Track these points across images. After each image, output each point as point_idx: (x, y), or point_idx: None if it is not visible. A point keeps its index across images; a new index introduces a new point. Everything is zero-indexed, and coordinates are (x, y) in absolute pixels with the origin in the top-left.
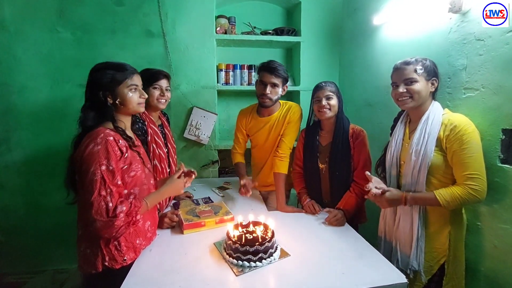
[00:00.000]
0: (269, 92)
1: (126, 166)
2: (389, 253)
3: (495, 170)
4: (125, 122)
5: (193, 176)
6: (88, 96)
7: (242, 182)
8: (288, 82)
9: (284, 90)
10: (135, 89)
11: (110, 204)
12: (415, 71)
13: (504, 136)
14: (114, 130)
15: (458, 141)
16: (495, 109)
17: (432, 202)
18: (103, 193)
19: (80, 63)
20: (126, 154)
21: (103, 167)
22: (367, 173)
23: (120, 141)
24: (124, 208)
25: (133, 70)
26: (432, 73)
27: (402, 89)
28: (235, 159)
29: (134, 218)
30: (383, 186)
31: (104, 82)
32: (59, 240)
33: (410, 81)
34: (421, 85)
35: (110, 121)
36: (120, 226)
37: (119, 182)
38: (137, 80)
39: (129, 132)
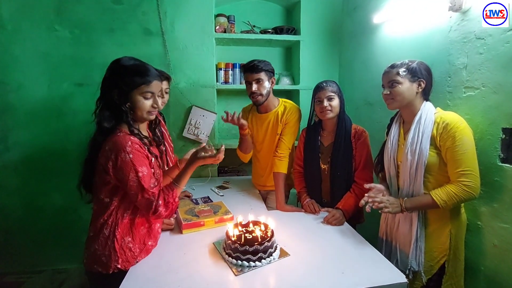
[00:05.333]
0: (255, 89)
1: (152, 170)
2: (389, 254)
3: (495, 170)
4: (141, 125)
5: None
6: (103, 93)
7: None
8: (288, 81)
9: (272, 82)
10: (150, 97)
11: (154, 203)
12: (398, 73)
13: (504, 135)
14: (133, 134)
15: (451, 138)
16: (495, 108)
17: (430, 204)
18: (146, 195)
19: (78, 62)
20: (153, 159)
21: (140, 174)
22: (367, 185)
23: (145, 147)
24: (160, 202)
25: (155, 76)
26: (417, 74)
27: (386, 91)
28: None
29: (174, 203)
30: (383, 196)
31: (121, 82)
32: (57, 240)
33: (392, 84)
34: (404, 87)
35: (126, 126)
36: (165, 215)
37: (154, 181)
38: (155, 87)
39: (145, 132)
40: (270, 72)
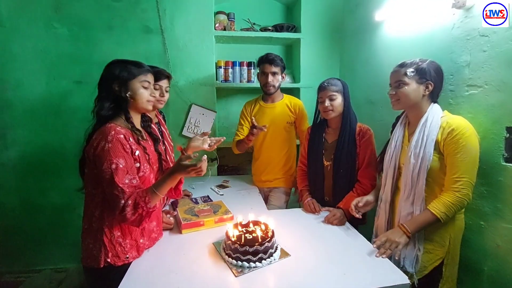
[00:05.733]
0: (271, 80)
1: (138, 165)
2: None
3: (499, 169)
4: (135, 119)
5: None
6: (102, 89)
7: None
8: (288, 79)
9: (283, 77)
10: (147, 87)
11: (122, 201)
12: (405, 74)
13: (508, 134)
14: (125, 126)
15: (454, 144)
16: (499, 106)
17: (431, 220)
18: (115, 191)
19: (77, 60)
20: (137, 152)
21: (114, 166)
22: (353, 204)
23: (130, 138)
24: (130, 202)
25: (149, 69)
26: (426, 76)
27: (391, 91)
28: (234, 142)
29: (145, 208)
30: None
31: (119, 74)
32: (56, 239)
33: (399, 84)
34: (410, 88)
35: (123, 115)
36: (131, 219)
37: (132, 179)
38: (150, 78)
39: (139, 127)
40: (283, 68)
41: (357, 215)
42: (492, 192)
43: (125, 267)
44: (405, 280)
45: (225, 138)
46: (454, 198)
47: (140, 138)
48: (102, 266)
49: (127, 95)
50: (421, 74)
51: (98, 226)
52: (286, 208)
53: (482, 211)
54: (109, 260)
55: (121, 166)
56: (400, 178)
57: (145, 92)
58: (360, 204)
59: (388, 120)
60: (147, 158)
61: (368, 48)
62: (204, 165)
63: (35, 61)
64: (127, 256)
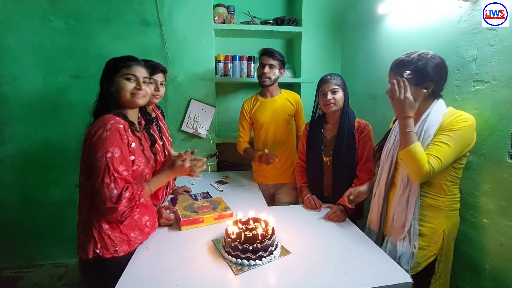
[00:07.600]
0: (267, 72)
1: (133, 157)
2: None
3: (504, 167)
4: (130, 113)
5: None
6: (100, 85)
7: (259, 153)
8: (289, 74)
9: (281, 73)
10: (132, 79)
11: (115, 191)
12: (402, 76)
13: None
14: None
15: (450, 125)
16: (506, 102)
17: (407, 142)
18: (107, 180)
19: (73, 53)
20: (133, 144)
21: (109, 154)
22: (347, 195)
23: (129, 130)
24: (128, 194)
25: (136, 62)
26: (424, 77)
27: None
28: (241, 146)
29: (137, 202)
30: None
31: (107, 70)
32: (56, 234)
33: None
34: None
35: (113, 110)
36: (123, 211)
37: (125, 170)
38: (136, 70)
39: (132, 120)
40: (282, 64)
41: (349, 206)
42: (496, 190)
43: (115, 260)
44: (407, 278)
45: (205, 159)
46: (424, 162)
47: (134, 130)
48: (91, 257)
49: (112, 90)
50: (419, 76)
51: (88, 217)
52: (299, 204)
53: (485, 208)
54: (97, 251)
55: (116, 155)
56: (396, 174)
57: (127, 84)
58: (352, 197)
59: (390, 115)
60: (142, 149)
61: (370, 42)
62: (187, 161)
63: (31, 55)
64: (116, 249)
